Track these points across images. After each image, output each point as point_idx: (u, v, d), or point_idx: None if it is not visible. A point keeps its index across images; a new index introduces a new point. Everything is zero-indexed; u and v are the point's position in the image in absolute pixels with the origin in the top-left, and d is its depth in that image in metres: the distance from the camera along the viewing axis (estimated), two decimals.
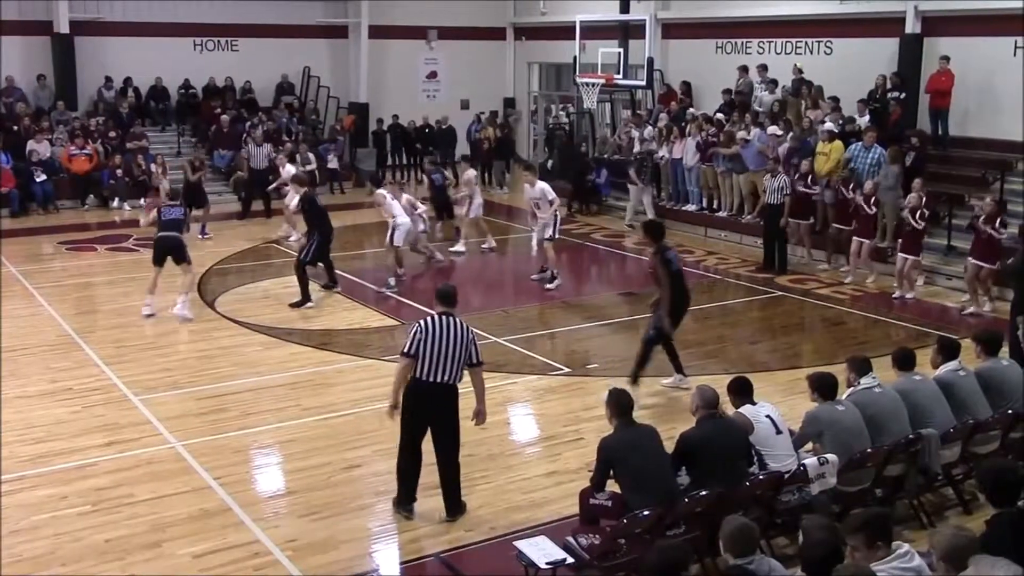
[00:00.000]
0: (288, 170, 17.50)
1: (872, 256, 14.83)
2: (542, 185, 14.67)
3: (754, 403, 7.02)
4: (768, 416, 6.90)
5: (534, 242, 14.96)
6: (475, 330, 12.05)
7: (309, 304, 13.13)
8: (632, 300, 13.94)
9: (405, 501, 7.42)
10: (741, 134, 17.73)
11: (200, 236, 17.33)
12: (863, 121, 16.94)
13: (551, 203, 14.43)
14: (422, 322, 7.26)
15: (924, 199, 13.77)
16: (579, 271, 17.55)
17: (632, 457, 6.32)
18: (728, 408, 7.09)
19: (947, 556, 4.50)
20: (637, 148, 20.01)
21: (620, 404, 6.54)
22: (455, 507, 7.40)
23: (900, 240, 14.08)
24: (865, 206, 14.41)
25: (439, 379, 7.12)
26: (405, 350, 7.16)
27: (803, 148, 16.62)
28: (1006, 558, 4.50)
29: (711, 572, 6.31)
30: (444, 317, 7.24)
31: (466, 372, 7.34)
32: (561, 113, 26.09)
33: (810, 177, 15.69)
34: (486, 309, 13.28)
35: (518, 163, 18.60)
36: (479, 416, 7.48)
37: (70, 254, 16.84)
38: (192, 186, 17.46)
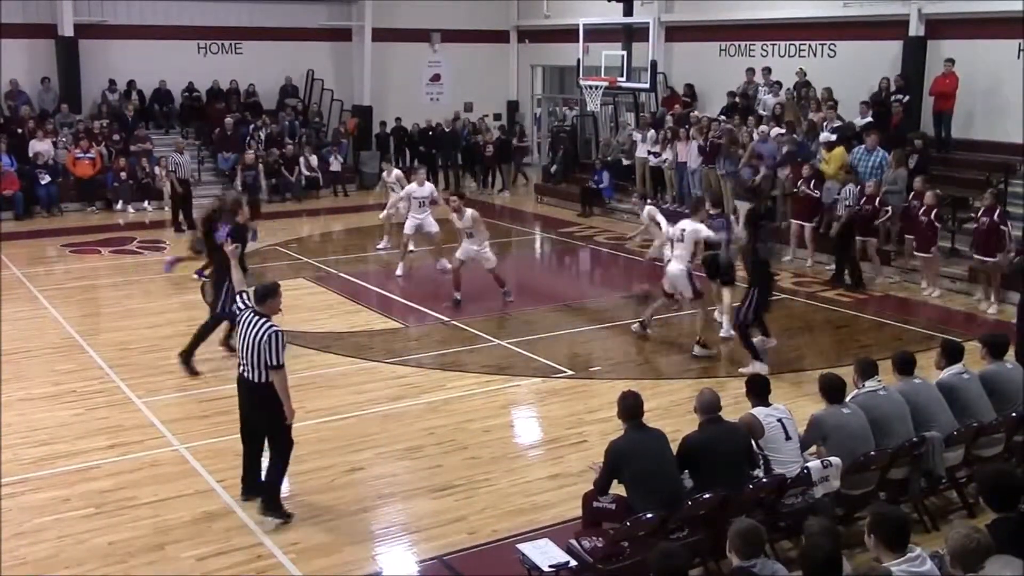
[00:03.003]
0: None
1: (880, 258, 14.96)
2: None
3: (768, 405, 6.97)
4: (780, 420, 6.84)
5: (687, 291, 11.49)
6: (477, 332, 12.25)
7: None
8: (635, 303, 13.92)
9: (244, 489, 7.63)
10: (763, 128, 17.64)
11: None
12: (865, 123, 16.90)
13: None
14: (238, 316, 7.43)
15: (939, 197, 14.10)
16: (581, 274, 17.59)
17: (640, 460, 6.30)
18: (745, 406, 7.06)
19: (958, 557, 4.49)
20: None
21: (630, 407, 6.52)
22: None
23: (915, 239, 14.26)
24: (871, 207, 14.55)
25: (245, 374, 7.26)
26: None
27: (804, 151, 16.62)
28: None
29: (714, 575, 6.30)
30: (252, 315, 7.25)
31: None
32: (570, 114, 26.04)
33: (812, 181, 15.69)
34: (489, 312, 13.26)
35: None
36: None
37: (74, 257, 16.86)
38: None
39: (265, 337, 7.04)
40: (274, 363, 7.06)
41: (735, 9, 21.13)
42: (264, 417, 7.31)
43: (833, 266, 15.18)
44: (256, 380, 7.16)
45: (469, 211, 13.28)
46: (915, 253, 14.36)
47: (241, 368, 7.29)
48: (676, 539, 6.05)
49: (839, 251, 14.91)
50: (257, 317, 7.18)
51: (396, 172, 17.19)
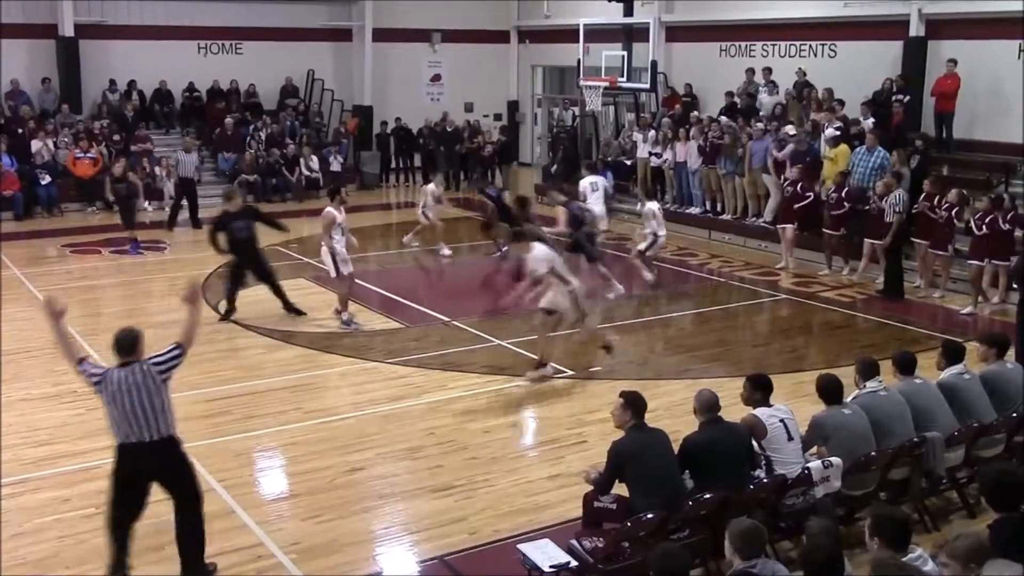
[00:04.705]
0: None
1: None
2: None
3: (770, 405, 6.93)
4: (782, 421, 6.79)
5: None
6: (478, 333, 12.23)
7: None
8: (635, 303, 13.94)
9: (115, 567, 6.35)
10: (759, 125, 17.63)
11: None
12: (867, 124, 16.90)
13: None
14: (101, 382, 6.14)
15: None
16: (581, 273, 17.54)
17: (643, 460, 6.30)
18: (744, 406, 7.06)
19: (960, 558, 4.49)
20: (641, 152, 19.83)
21: (632, 407, 6.52)
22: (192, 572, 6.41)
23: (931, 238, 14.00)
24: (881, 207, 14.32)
25: (137, 439, 6.13)
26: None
27: (810, 151, 16.62)
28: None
29: (715, 575, 6.30)
30: (122, 370, 6.15)
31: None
32: (567, 114, 26.05)
33: (799, 184, 15.66)
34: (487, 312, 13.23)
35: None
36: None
37: (74, 257, 16.85)
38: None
39: (154, 371, 6.18)
40: (178, 355, 6.33)
41: (735, 9, 21.13)
42: (176, 476, 6.36)
43: (839, 267, 15.12)
44: (155, 437, 6.14)
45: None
46: (930, 251, 14.15)
47: (125, 437, 6.13)
48: (677, 539, 6.04)
49: (890, 260, 14.16)
50: (126, 370, 6.14)
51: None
